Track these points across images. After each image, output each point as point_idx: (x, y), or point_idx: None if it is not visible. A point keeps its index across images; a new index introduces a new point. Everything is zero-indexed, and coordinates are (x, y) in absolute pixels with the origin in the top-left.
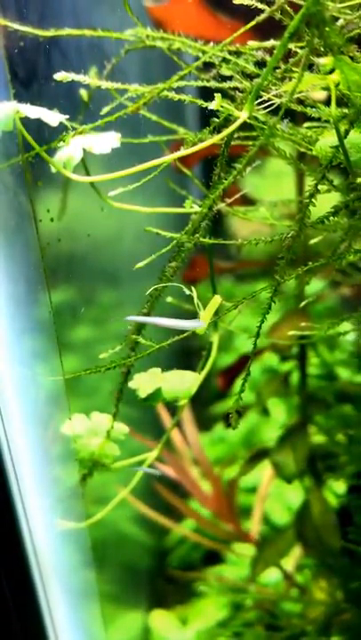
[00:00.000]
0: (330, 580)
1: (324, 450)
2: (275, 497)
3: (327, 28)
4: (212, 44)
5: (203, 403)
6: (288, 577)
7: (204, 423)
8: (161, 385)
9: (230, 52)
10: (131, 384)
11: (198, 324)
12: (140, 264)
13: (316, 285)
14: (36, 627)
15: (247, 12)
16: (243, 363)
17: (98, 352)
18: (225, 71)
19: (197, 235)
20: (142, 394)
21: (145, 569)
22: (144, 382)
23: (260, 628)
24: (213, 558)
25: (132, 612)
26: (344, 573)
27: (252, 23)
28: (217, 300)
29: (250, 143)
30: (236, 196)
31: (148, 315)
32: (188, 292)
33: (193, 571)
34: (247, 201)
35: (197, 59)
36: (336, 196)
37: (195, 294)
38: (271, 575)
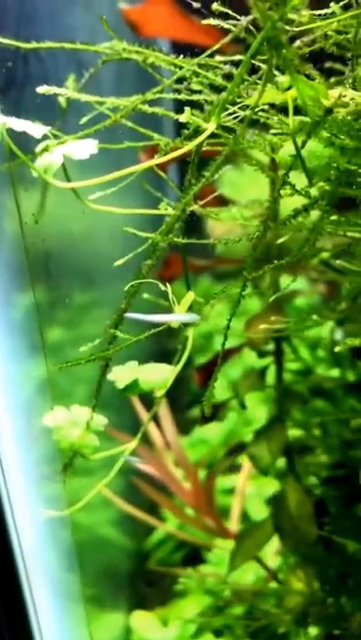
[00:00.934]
0: (306, 570)
1: (300, 443)
2: (255, 496)
3: (284, 50)
4: (182, 56)
5: (183, 406)
6: (266, 569)
7: (185, 426)
8: (138, 376)
9: (200, 65)
10: (109, 376)
11: (192, 318)
12: (118, 262)
13: (295, 283)
14: (23, 630)
15: (220, 16)
16: (216, 360)
17: (72, 354)
18: (195, 85)
19: (171, 235)
20: (120, 385)
21: (126, 571)
22: (122, 374)
23: (240, 620)
24: (194, 560)
25: (113, 613)
26: (320, 563)
27: (217, 46)
28: (190, 295)
29: (219, 149)
30: (210, 197)
31: (125, 311)
32: (164, 290)
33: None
34: (223, 200)
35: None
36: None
37: (169, 290)
38: (249, 575)
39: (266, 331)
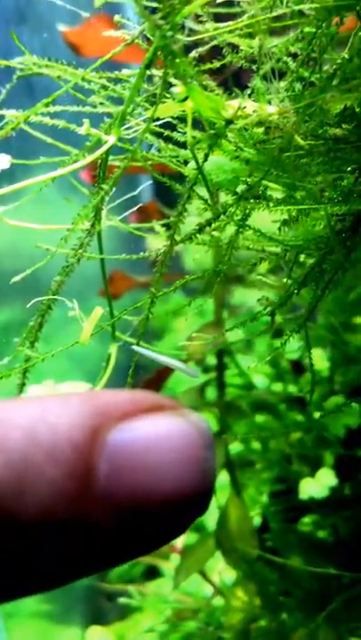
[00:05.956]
0: (247, 586)
1: (241, 458)
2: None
3: (177, 60)
4: (93, 72)
5: None
6: (212, 585)
7: None
8: None
9: (109, 80)
10: (25, 395)
11: (193, 373)
12: (16, 278)
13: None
14: None
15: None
16: (161, 375)
17: (47, 368)
18: (97, 98)
19: (81, 250)
20: None
21: (85, 586)
22: (37, 392)
23: (185, 637)
24: (153, 573)
25: (71, 628)
26: (260, 579)
27: (108, 56)
28: (98, 311)
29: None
30: (133, 209)
31: (39, 329)
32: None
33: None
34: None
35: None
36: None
37: (76, 307)
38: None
39: (206, 345)
